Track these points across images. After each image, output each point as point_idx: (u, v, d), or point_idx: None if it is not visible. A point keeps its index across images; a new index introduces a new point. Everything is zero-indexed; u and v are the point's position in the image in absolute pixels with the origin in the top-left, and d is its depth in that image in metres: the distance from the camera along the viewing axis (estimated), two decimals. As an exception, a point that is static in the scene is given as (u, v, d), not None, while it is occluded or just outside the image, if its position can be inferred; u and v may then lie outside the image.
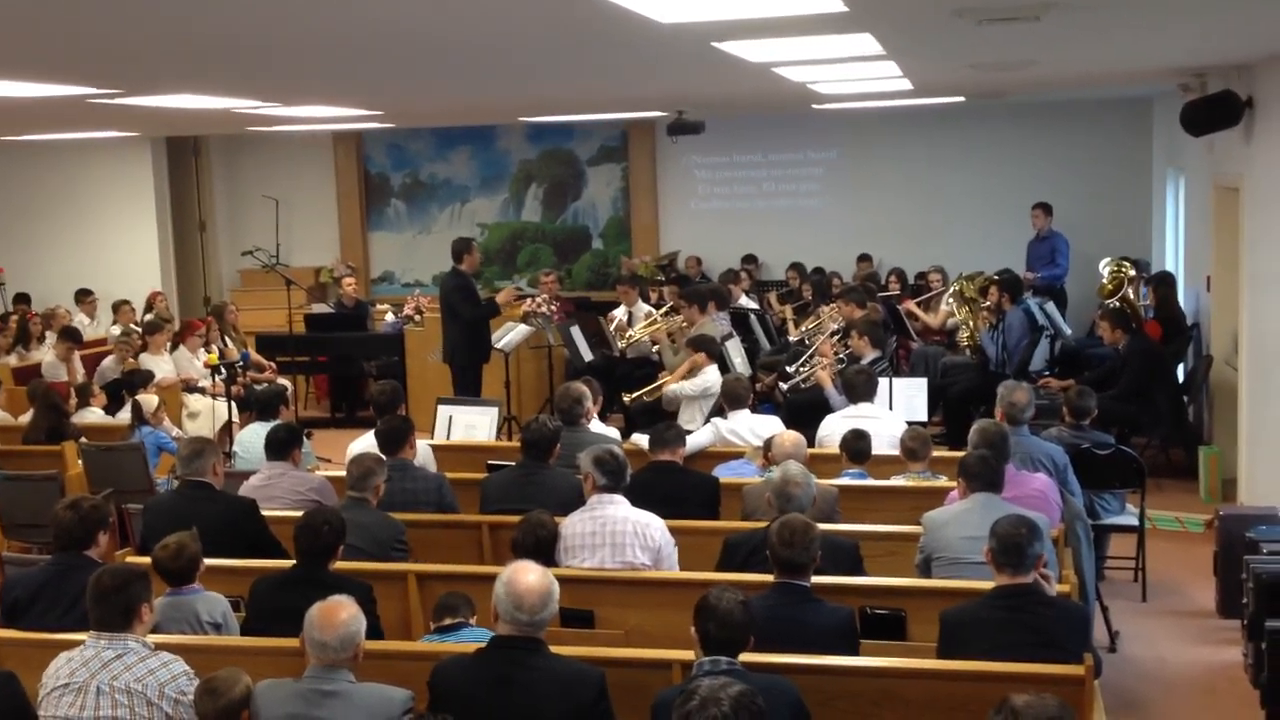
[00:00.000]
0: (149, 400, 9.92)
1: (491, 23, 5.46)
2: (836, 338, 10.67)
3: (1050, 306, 11.99)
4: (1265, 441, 8.66)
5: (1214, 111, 9.20)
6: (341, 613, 4.33)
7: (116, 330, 13.39)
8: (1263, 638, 5.95)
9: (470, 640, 4.97)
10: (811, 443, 7.72)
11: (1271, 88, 8.56)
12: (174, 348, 12.28)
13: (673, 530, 6.06)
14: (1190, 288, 12.06)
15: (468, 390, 10.85)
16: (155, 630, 4.88)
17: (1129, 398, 9.76)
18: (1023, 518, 5.03)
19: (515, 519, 5.95)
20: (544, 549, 5.69)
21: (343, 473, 6.66)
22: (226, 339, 12.99)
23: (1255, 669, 6.49)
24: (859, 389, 8.32)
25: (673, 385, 9.59)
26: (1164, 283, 11.84)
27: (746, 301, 13.59)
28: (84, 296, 14.69)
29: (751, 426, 8.18)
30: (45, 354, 12.57)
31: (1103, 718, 4.60)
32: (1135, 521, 8.11)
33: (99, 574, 4.68)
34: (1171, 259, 13.51)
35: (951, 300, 12.90)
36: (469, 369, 11.19)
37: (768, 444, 7.15)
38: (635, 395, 10.22)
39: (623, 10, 4.93)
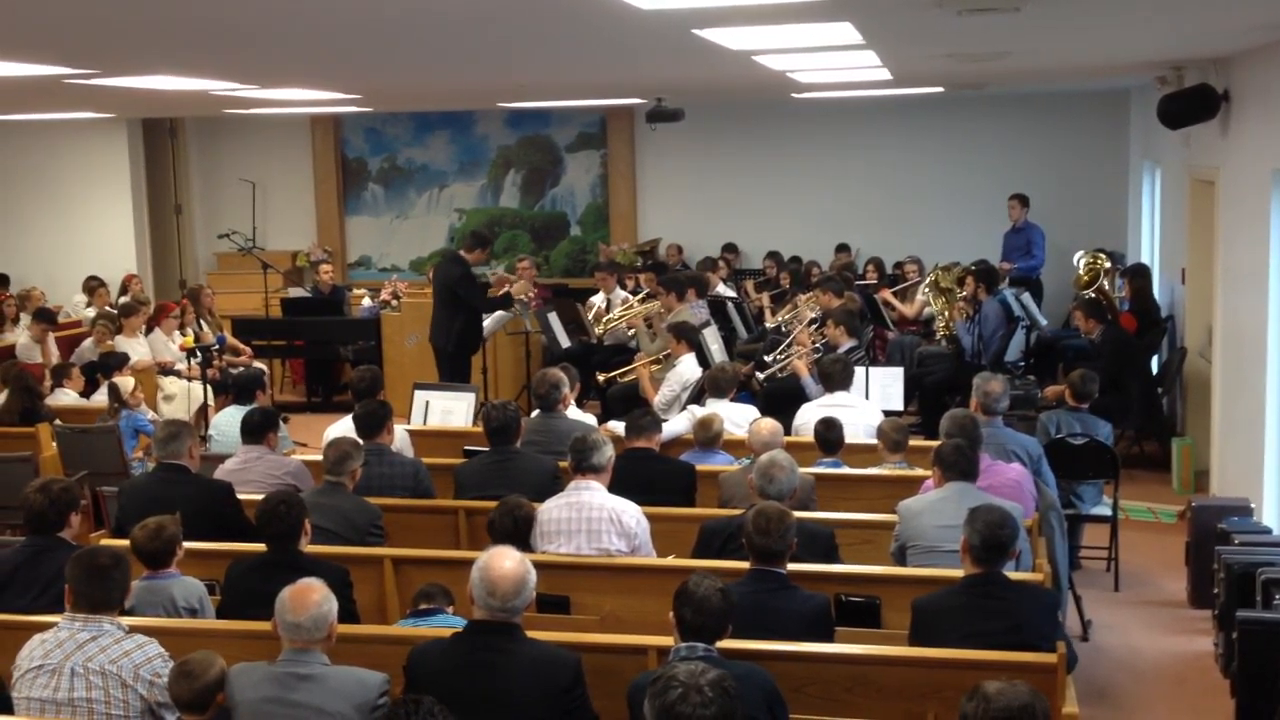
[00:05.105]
0: (124, 382, 9.89)
1: (472, 6, 5.45)
2: (813, 327, 10.69)
3: (1026, 297, 12.03)
4: (1237, 433, 8.71)
5: (1190, 104, 9.23)
6: (313, 594, 4.33)
7: (91, 312, 13.30)
8: (1233, 628, 5.99)
9: (446, 625, 4.98)
10: (788, 431, 7.74)
11: (1247, 81, 8.59)
12: (149, 330, 12.22)
13: (649, 517, 6.07)
14: (1165, 280, 12.11)
15: (455, 378, 10.71)
16: (130, 613, 4.86)
17: (1103, 389, 9.79)
18: (1006, 517, 4.95)
19: (491, 504, 5.92)
20: (521, 531, 5.69)
21: (319, 457, 6.65)
22: (202, 322, 12.93)
23: (1225, 659, 6.56)
24: (835, 378, 8.35)
25: (658, 398, 9.52)
26: (1139, 275, 11.90)
27: (724, 289, 13.61)
28: (95, 284, 14.12)
29: (728, 415, 8.18)
30: (20, 335, 12.47)
31: (1074, 706, 4.62)
32: (1109, 512, 8.17)
33: (93, 552, 4.65)
34: (1147, 251, 13.56)
35: (927, 290, 12.94)
36: (458, 357, 11.05)
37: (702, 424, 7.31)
38: (610, 375, 10.24)
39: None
